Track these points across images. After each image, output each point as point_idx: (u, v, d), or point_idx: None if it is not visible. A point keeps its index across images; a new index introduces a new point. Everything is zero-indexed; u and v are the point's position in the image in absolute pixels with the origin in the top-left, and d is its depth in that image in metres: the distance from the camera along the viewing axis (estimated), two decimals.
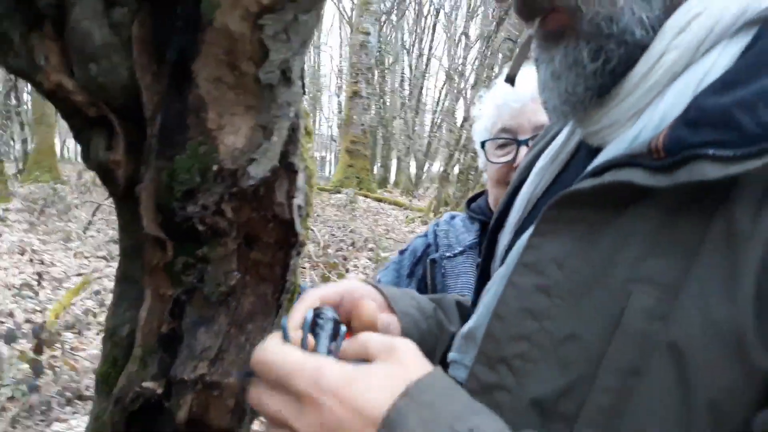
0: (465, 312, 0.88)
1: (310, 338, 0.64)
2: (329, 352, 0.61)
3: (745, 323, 0.43)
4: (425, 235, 1.58)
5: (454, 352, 0.67)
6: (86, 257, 6.36)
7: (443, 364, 0.62)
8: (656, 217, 0.50)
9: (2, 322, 4.16)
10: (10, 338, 3.34)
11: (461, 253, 1.48)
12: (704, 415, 0.45)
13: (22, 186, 11.50)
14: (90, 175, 12.52)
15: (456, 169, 11.91)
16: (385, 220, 10.10)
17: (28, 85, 0.75)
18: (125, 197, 0.76)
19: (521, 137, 1.27)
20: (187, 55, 0.64)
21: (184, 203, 0.68)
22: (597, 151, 0.61)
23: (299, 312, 0.70)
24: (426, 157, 16.59)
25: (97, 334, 4.13)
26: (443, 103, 16.42)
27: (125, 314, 0.81)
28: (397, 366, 0.52)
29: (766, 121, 0.44)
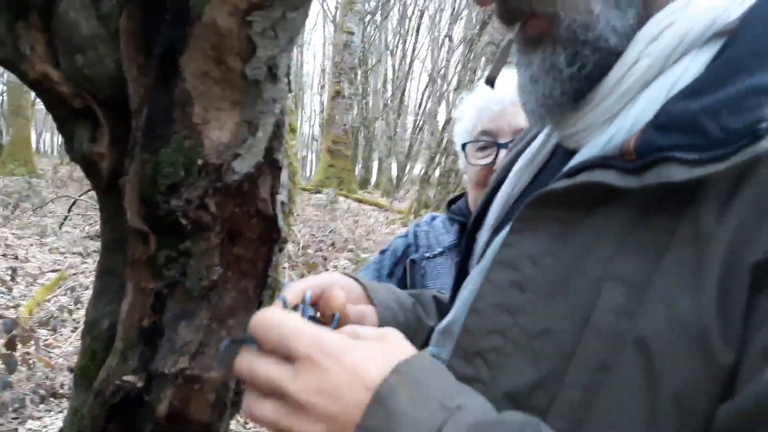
0: (442, 307, 0.89)
1: None
2: None
3: (708, 320, 0.45)
4: (406, 236, 1.59)
5: (432, 346, 0.68)
6: (62, 253, 6.27)
7: None
8: (626, 217, 0.52)
9: None
10: None
11: (441, 253, 1.49)
12: (670, 408, 0.46)
13: None
14: (66, 170, 12.36)
15: (437, 172, 11.95)
16: (365, 221, 10.11)
17: (4, 76, 0.74)
18: (108, 190, 0.76)
19: (501, 140, 1.28)
20: (174, 49, 0.64)
21: (168, 197, 0.68)
22: (572, 153, 0.63)
23: (279, 305, 0.71)
24: (407, 158, 16.63)
25: (73, 331, 4.07)
26: (425, 106, 16.48)
27: (105, 308, 0.81)
28: (390, 345, 0.54)
29: (729, 126, 0.46)
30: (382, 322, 0.79)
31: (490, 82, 0.72)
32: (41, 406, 3.07)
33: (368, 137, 17.22)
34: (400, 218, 10.45)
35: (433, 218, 1.61)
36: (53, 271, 5.54)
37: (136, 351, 0.74)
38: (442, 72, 15.52)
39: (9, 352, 2.77)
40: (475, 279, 0.63)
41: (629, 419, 0.48)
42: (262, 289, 0.78)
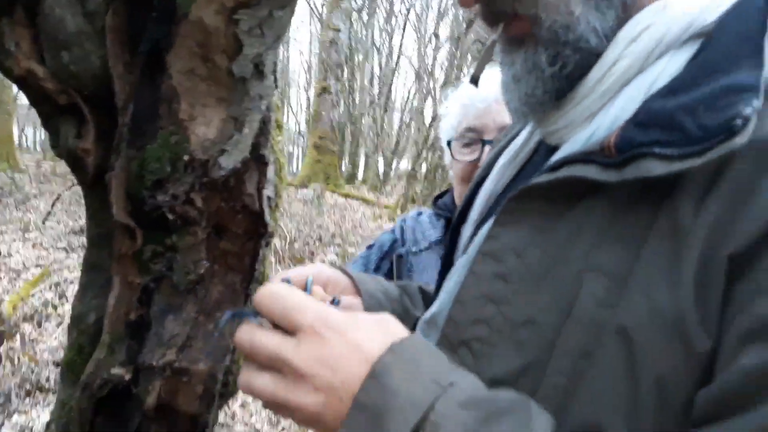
0: (428, 298, 0.91)
1: None
2: None
3: (686, 311, 0.47)
4: (392, 231, 1.61)
5: None
6: (45, 248, 6.22)
7: None
8: (607, 210, 0.53)
9: None
10: None
11: (427, 248, 1.51)
12: (651, 394, 0.48)
13: None
14: (49, 165, 12.22)
15: (423, 168, 11.99)
16: (352, 216, 10.10)
17: None
18: (94, 185, 0.76)
19: (486, 137, 1.30)
20: (160, 46, 0.65)
21: (154, 192, 0.69)
22: (555, 149, 0.65)
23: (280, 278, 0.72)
24: (394, 154, 16.64)
25: (58, 326, 4.05)
26: (412, 102, 16.51)
27: (92, 302, 0.82)
28: (386, 326, 0.55)
29: (705, 123, 0.48)
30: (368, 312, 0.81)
31: (474, 80, 0.73)
32: (27, 401, 3.05)
33: (355, 133, 17.20)
34: (387, 213, 10.46)
35: (420, 213, 1.62)
36: (37, 266, 5.50)
37: (123, 344, 0.75)
38: (428, 69, 15.54)
39: None
40: (459, 271, 0.65)
41: (611, 405, 0.50)
42: (249, 282, 0.79)
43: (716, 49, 0.53)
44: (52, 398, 2.99)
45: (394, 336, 0.53)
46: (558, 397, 0.52)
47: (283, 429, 3.21)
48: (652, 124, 0.51)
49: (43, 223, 7.09)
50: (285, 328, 0.54)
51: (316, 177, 12.15)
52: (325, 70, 12.74)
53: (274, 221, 0.82)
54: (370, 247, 1.62)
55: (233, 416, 3.22)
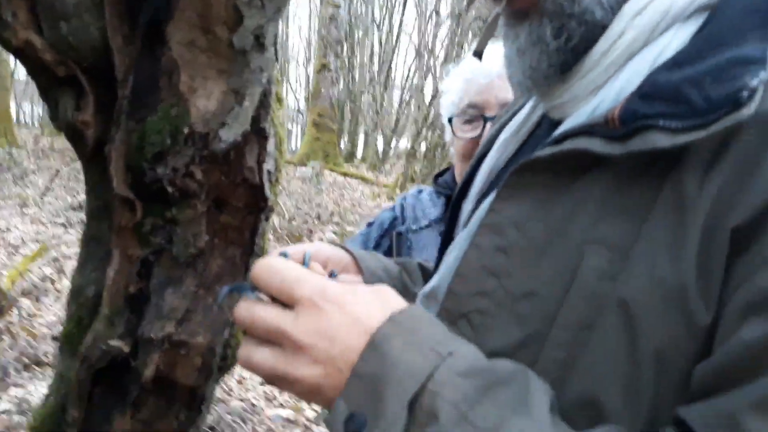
0: (428, 275, 0.91)
1: None
2: None
3: (688, 282, 0.47)
4: (392, 208, 1.60)
5: None
6: (44, 224, 6.21)
7: None
8: (610, 183, 0.53)
9: None
10: None
11: (427, 226, 1.50)
12: (650, 366, 0.48)
13: None
14: (47, 141, 12.16)
15: (423, 146, 11.93)
16: (351, 194, 10.09)
17: None
18: (93, 158, 0.76)
19: (488, 113, 1.28)
20: (160, 17, 0.64)
21: (154, 165, 0.68)
22: (558, 124, 0.64)
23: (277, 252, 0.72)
24: (393, 133, 16.56)
25: (55, 300, 4.06)
26: (412, 80, 16.37)
27: (91, 275, 0.82)
28: (385, 297, 0.56)
29: (711, 95, 0.47)
30: None
31: (478, 54, 0.73)
32: (25, 374, 3.07)
33: (354, 111, 17.10)
34: (386, 192, 10.45)
35: (420, 191, 1.61)
36: (36, 241, 5.50)
37: (123, 317, 0.75)
38: (429, 46, 15.39)
39: None
40: (460, 244, 0.65)
41: (610, 378, 0.50)
42: (249, 256, 0.79)
43: (722, 22, 0.53)
44: (50, 372, 3.01)
45: (393, 307, 0.54)
46: (557, 370, 0.52)
47: (280, 404, 3.24)
48: (656, 96, 0.50)
49: (42, 198, 7.08)
50: (283, 301, 0.54)
51: (315, 155, 12.11)
52: (325, 46, 12.63)
53: (274, 195, 0.82)
54: (370, 224, 1.61)
55: (230, 391, 3.24)
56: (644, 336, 0.49)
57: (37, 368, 3.13)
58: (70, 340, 0.83)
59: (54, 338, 3.39)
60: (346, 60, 15.02)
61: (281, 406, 3.23)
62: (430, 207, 1.53)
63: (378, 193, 10.33)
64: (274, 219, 6.39)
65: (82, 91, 0.73)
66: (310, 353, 0.51)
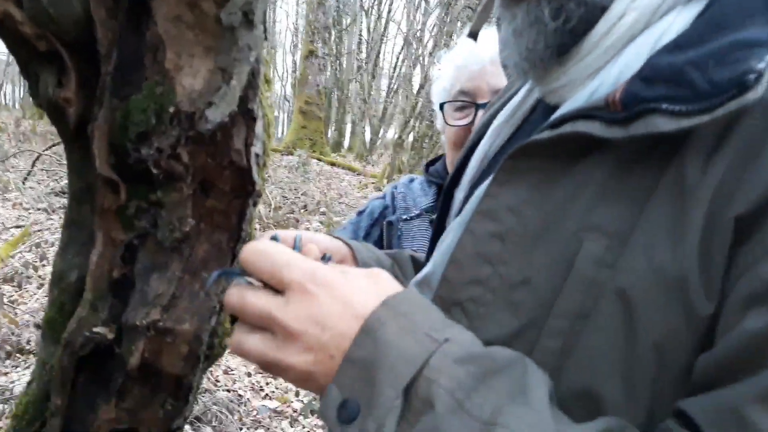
0: (419, 266, 0.90)
1: None
2: None
3: (689, 271, 0.46)
4: (383, 197, 1.58)
5: None
6: (26, 209, 6.13)
7: None
8: (609, 168, 0.52)
9: None
10: None
11: (418, 216, 1.48)
12: (649, 357, 0.47)
13: None
14: (29, 123, 11.98)
15: (411, 136, 11.91)
16: (338, 184, 10.06)
17: None
18: (76, 137, 0.73)
19: (480, 101, 1.27)
20: None
21: (139, 145, 0.66)
22: (554, 109, 0.63)
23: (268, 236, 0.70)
24: (381, 122, 16.51)
25: (38, 287, 4.01)
26: (400, 69, 16.31)
27: (73, 259, 0.79)
28: (379, 281, 0.54)
29: (715, 78, 0.46)
30: None
31: (473, 35, 0.71)
32: (8, 362, 3.03)
33: (342, 99, 17.02)
34: (373, 182, 10.44)
35: (411, 180, 1.60)
36: (17, 227, 5.42)
37: (107, 303, 0.73)
38: (417, 35, 15.33)
39: None
40: (455, 230, 0.63)
41: (607, 369, 0.49)
42: (236, 242, 0.77)
43: (725, 5, 0.51)
44: (32, 360, 2.98)
45: (387, 290, 0.52)
46: (552, 360, 0.51)
47: (266, 396, 3.23)
48: (658, 79, 0.49)
49: (23, 183, 6.98)
50: (273, 286, 0.52)
51: (302, 143, 12.05)
52: (313, 32, 12.54)
53: (262, 180, 0.80)
54: (360, 213, 1.59)
55: (216, 382, 3.23)
56: (643, 326, 0.48)
57: (20, 356, 3.09)
58: (52, 326, 0.80)
59: (37, 326, 3.35)
60: (334, 47, 14.92)
61: (268, 397, 3.22)
62: (421, 196, 1.52)
63: (365, 184, 10.32)
64: (260, 208, 6.35)
65: (63, 67, 0.70)
66: (300, 340, 0.49)
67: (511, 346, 0.52)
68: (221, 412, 2.88)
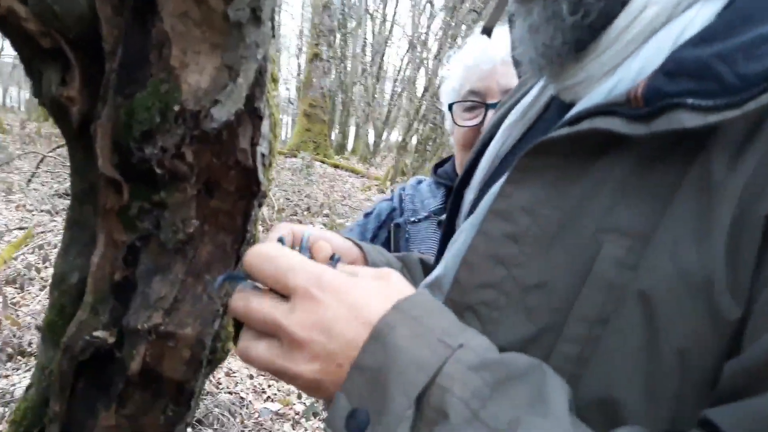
0: (428, 270, 0.88)
1: None
2: None
3: (715, 273, 0.44)
4: (390, 199, 1.55)
5: None
6: (29, 210, 6.12)
7: None
8: (630, 166, 0.50)
9: None
10: None
11: (426, 218, 1.46)
12: (673, 363, 0.45)
13: None
14: (34, 125, 12.00)
15: (414, 139, 11.90)
16: (341, 186, 10.04)
17: None
18: (79, 136, 0.72)
19: (490, 101, 1.25)
20: None
21: (142, 144, 0.64)
22: (569, 107, 0.61)
23: (275, 236, 0.68)
24: (385, 125, 16.50)
25: (41, 289, 3.99)
26: (404, 72, 16.31)
27: (75, 261, 0.78)
28: (389, 284, 0.52)
29: (744, 72, 0.44)
30: None
31: (487, 32, 0.69)
32: (9, 365, 3.02)
33: (346, 102, 17.02)
34: (377, 185, 10.42)
35: (419, 182, 1.57)
36: (20, 228, 5.42)
37: (107, 305, 0.71)
38: (422, 38, 15.32)
39: None
40: (467, 231, 0.61)
41: (628, 374, 0.47)
42: (241, 243, 0.75)
43: None
44: (33, 363, 2.96)
45: (399, 293, 0.50)
46: (570, 366, 0.49)
47: (268, 398, 3.21)
48: (683, 73, 0.47)
49: (27, 184, 6.98)
50: (278, 291, 0.50)
51: (306, 146, 12.04)
52: (317, 35, 12.54)
53: (268, 180, 0.78)
54: (367, 215, 1.57)
55: (218, 384, 3.21)
56: (666, 331, 0.45)
57: (21, 359, 3.08)
58: (52, 329, 0.79)
59: (38, 328, 3.34)
60: (339, 50, 14.93)
61: (270, 399, 3.20)
62: (430, 198, 1.49)
63: (368, 186, 10.30)
64: (264, 210, 6.34)
65: (67, 64, 0.68)
66: (307, 348, 0.47)
67: (527, 352, 0.50)
68: (223, 414, 2.86)
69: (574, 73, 0.60)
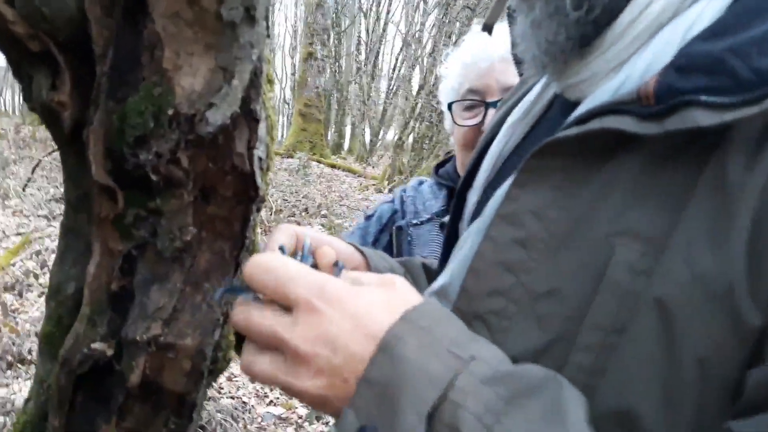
0: (431, 275, 0.86)
1: None
2: None
3: (735, 278, 0.42)
4: (392, 201, 1.53)
5: None
6: (26, 216, 6.09)
7: None
8: (642, 166, 0.48)
9: None
10: None
11: (428, 220, 1.43)
12: (692, 373, 0.43)
13: None
14: (29, 130, 11.95)
15: (411, 138, 11.87)
16: (338, 186, 10.03)
17: None
18: (71, 142, 0.70)
19: (489, 99, 1.23)
20: None
21: (136, 149, 0.62)
22: (573, 105, 0.59)
23: (276, 242, 0.67)
24: (381, 124, 16.47)
25: (39, 296, 3.97)
26: (399, 70, 16.27)
27: (71, 270, 0.76)
28: (394, 293, 0.50)
29: (761, 67, 0.42)
30: None
31: (488, 28, 0.67)
32: (8, 373, 3.00)
33: (341, 101, 17.00)
34: (374, 184, 10.40)
35: (420, 183, 1.55)
36: (17, 234, 5.39)
37: (105, 317, 0.69)
38: (416, 36, 15.29)
39: None
40: (473, 237, 0.59)
41: (646, 384, 0.45)
42: (240, 250, 0.73)
43: None
44: (33, 370, 2.94)
45: (405, 302, 0.48)
46: (584, 377, 0.47)
47: (271, 402, 3.19)
48: (695, 68, 0.45)
49: (24, 190, 6.94)
50: (280, 303, 0.48)
51: (302, 146, 12.01)
52: (311, 34, 12.52)
53: (266, 184, 0.76)
54: (368, 217, 1.54)
55: (220, 389, 3.19)
56: (684, 339, 0.43)
57: (21, 366, 3.06)
58: (49, 341, 0.77)
59: (38, 335, 3.31)
60: (333, 49, 14.90)
61: (272, 403, 3.18)
62: (431, 199, 1.47)
63: (366, 185, 10.29)
64: (261, 212, 6.31)
65: (57, 68, 0.66)
66: (311, 363, 0.45)
67: (538, 362, 0.48)
68: (225, 420, 2.84)
69: (578, 71, 0.58)
